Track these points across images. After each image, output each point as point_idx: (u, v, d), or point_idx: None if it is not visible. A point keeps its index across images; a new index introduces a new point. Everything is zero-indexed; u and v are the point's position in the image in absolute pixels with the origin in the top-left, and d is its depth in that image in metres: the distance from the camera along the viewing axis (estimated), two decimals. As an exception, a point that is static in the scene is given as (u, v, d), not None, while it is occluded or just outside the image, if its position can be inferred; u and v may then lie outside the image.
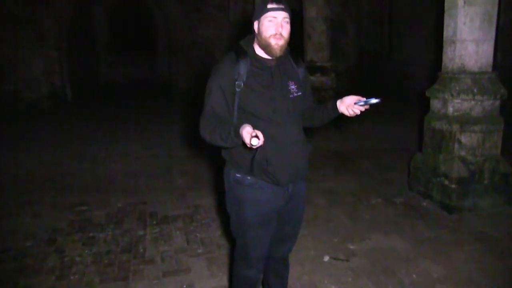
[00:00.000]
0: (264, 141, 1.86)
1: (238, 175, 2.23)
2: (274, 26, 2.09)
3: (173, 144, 7.73)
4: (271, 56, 2.17)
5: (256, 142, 1.78)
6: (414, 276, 3.26)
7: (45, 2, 12.05)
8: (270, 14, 2.08)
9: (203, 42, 14.56)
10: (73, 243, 3.85)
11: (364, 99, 2.12)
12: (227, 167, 2.32)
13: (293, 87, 2.24)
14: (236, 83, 2.10)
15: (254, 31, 2.20)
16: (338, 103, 2.24)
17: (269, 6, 2.08)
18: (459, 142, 4.38)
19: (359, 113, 2.18)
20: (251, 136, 1.79)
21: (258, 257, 2.36)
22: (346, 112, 2.22)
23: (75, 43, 13.46)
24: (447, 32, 4.50)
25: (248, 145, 1.82)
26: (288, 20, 2.13)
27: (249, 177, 2.20)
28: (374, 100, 2.09)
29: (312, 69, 8.41)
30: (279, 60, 2.22)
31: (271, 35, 2.09)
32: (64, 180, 5.72)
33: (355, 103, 2.14)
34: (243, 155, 2.17)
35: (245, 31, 2.29)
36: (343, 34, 14.18)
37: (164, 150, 7.26)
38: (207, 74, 2.24)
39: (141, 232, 4.07)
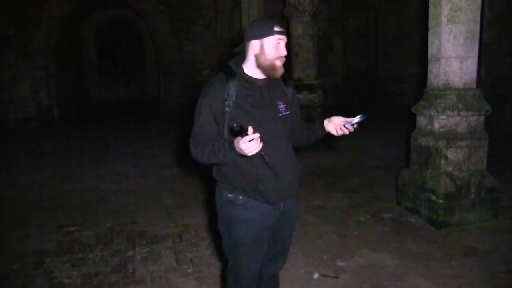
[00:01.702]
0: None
1: (230, 195, 2.24)
2: (281, 49, 2.16)
3: (162, 163, 7.72)
4: (272, 77, 2.21)
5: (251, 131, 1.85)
6: (404, 292, 3.27)
7: (33, 22, 12.06)
8: (277, 36, 2.14)
9: (192, 61, 14.64)
10: (62, 265, 3.79)
11: (351, 119, 2.19)
12: (219, 188, 2.32)
13: (282, 106, 2.27)
14: (226, 103, 2.13)
15: (247, 50, 2.21)
16: (326, 122, 2.34)
17: (276, 29, 2.14)
18: (446, 157, 4.43)
19: (347, 133, 2.27)
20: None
21: (250, 276, 2.36)
22: (334, 132, 2.31)
23: (62, 62, 13.46)
24: (431, 49, 4.59)
25: (242, 144, 1.85)
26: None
27: (241, 197, 2.21)
28: (357, 119, 2.20)
29: (300, 87, 8.44)
30: (268, 80, 2.25)
31: (277, 57, 2.15)
32: (52, 200, 5.67)
33: (344, 125, 2.23)
34: (236, 175, 2.19)
35: (232, 50, 2.32)
36: (330, 51, 14.36)
37: (153, 169, 7.24)
38: (197, 92, 2.26)
39: (130, 252, 4.03)
